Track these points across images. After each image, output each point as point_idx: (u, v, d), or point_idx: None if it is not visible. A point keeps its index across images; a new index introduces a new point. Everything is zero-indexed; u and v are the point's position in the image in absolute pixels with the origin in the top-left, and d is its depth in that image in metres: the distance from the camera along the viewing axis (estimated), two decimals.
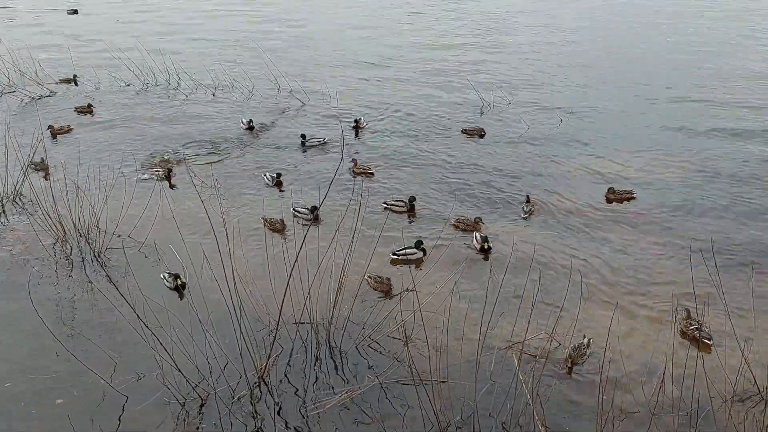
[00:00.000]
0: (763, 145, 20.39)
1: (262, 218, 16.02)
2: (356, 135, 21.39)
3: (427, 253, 14.39)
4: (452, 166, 19.51)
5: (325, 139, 21.35)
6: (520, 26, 39.92)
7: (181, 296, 13.03)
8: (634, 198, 16.96)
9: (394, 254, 14.36)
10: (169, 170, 18.88)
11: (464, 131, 21.89)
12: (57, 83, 29.29)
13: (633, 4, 46.32)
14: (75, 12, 48.64)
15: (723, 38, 35.49)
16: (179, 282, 13.17)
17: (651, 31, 37.68)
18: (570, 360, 10.95)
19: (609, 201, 16.91)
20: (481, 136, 21.54)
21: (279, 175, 18.60)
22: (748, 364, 10.10)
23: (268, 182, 18.47)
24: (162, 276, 13.49)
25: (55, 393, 10.73)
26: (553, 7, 46.05)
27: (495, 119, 23.45)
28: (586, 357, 11.04)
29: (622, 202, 16.84)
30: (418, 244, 14.32)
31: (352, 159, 19.52)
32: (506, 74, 29.48)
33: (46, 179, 17.86)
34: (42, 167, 19.16)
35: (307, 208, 16.22)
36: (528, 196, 16.81)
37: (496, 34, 37.66)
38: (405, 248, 14.41)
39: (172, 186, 18.56)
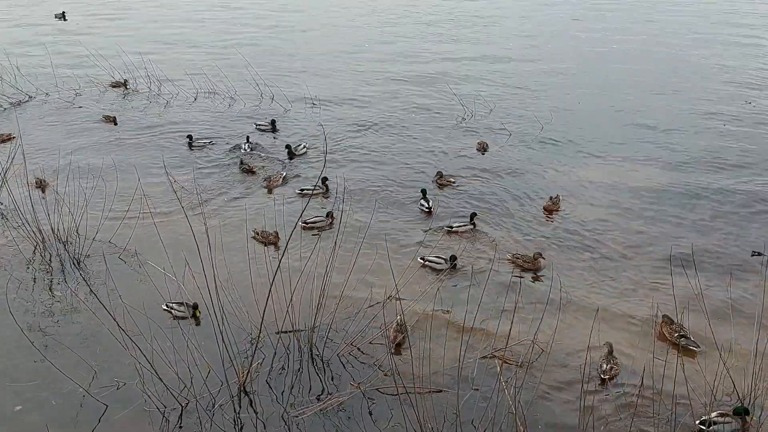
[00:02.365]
0: (744, 152, 20.65)
1: (253, 231, 15.67)
2: (290, 159, 20.59)
3: (457, 267, 14.17)
4: (432, 175, 19.47)
5: (212, 140, 22.00)
6: (502, 30, 40.16)
7: (198, 321, 12.57)
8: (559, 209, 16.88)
9: (423, 259, 14.30)
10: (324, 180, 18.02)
11: (478, 146, 21.44)
12: (109, 86, 29.06)
13: (617, 8, 46.90)
14: (63, 15, 48.25)
15: (711, 40, 36.06)
16: (198, 312, 12.62)
17: (636, 34, 38.08)
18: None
19: (549, 211, 16.88)
20: (484, 152, 21.10)
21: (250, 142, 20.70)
22: (727, 369, 10.21)
23: (245, 150, 20.48)
24: (169, 307, 12.78)
25: (34, 400, 10.59)
26: (532, 11, 46.42)
27: (477, 127, 23.52)
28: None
29: (556, 212, 16.81)
30: (453, 259, 14.15)
31: (268, 177, 18.80)
32: (488, 80, 29.60)
33: (43, 192, 17.32)
34: (41, 184, 18.35)
35: (320, 216, 16.15)
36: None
37: (478, 39, 37.84)
38: (435, 258, 14.28)
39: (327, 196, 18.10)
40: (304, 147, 21.19)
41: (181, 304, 12.67)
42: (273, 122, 23.69)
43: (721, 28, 39.22)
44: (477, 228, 15.92)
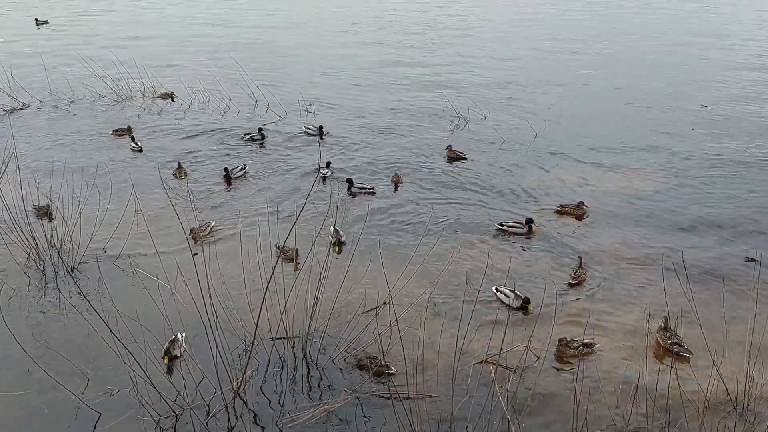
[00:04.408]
0: (736, 158, 20.77)
1: (276, 246, 14.75)
2: (228, 184, 19.53)
3: (529, 312, 12.93)
4: (425, 182, 19.54)
5: (139, 145, 22.56)
6: (495, 37, 40.35)
7: (171, 371, 11.53)
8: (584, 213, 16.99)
9: (497, 289, 13.36)
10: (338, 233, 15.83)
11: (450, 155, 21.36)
12: (158, 98, 28.60)
13: (610, 13, 47.31)
14: (45, 23, 48.15)
15: (705, 44, 36.44)
16: (175, 353, 11.60)
17: (629, 40, 38.38)
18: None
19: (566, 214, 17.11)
20: (452, 161, 21.11)
21: (225, 169, 19.92)
22: (720, 375, 10.24)
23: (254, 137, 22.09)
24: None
25: (27, 408, 10.54)
26: (527, 16, 46.67)
27: (471, 134, 23.61)
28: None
29: (573, 216, 16.97)
30: (527, 301, 12.90)
31: (193, 228, 16.14)
32: (482, 87, 29.74)
33: (50, 222, 16.65)
34: (45, 211, 17.22)
35: (337, 230, 15.74)
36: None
37: (471, 46, 38.01)
38: (507, 291, 13.18)
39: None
40: (242, 170, 20.08)
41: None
42: (320, 128, 23.66)
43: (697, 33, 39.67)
44: (534, 234, 15.98)
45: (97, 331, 11.22)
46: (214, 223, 16.53)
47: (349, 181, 18.92)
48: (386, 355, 11.27)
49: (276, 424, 10.26)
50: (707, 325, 11.69)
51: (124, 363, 10.49)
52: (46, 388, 10.74)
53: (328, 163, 20.44)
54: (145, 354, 10.78)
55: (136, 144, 22.56)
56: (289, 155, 21.87)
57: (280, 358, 11.65)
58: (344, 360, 11.60)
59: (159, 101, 28.38)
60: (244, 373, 10.80)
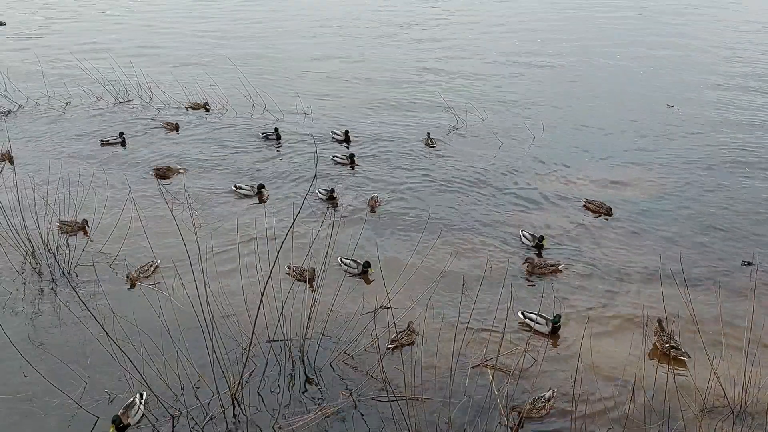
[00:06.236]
0: (735, 160, 20.81)
1: (288, 266, 14.23)
2: (261, 199, 18.70)
3: (558, 333, 12.37)
4: (424, 185, 19.57)
5: (117, 138, 23.15)
6: (493, 40, 40.39)
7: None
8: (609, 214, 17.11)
9: (522, 314, 12.80)
10: None
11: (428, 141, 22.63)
12: (188, 108, 27.64)
13: (609, 16, 47.44)
14: (3, 24, 47.78)
15: (703, 47, 36.60)
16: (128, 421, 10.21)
17: (626, 44, 38.47)
18: (522, 412, 10.16)
19: (589, 210, 17.36)
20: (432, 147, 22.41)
21: (261, 186, 18.96)
22: (717, 377, 10.25)
23: (248, 192, 18.78)
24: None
25: (24, 413, 10.51)
26: (527, 19, 46.73)
27: (470, 136, 23.62)
28: (544, 412, 10.28)
29: (599, 213, 17.12)
30: (557, 319, 12.33)
31: (137, 267, 14.68)
32: (481, 90, 29.76)
33: (86, 234, 16.35)
34: (81, 227, 16.52)
35: (355, 260, 14.66)
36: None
37: (470, 49, 38.04)
38: (537, 318, 12.56)
39: None
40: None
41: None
42: (346, 132, 23.57)
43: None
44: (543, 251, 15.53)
45: (94, 335, 11.20)
46: (159, 261, 14.67)
47: (332, 190, 18.36)
48: (383, 358, 11.27)
49: (273, 426, 10.24)
50: (705, 327, 11.71)
51: (121, 367, 10.47)
52: (43, 391, 10.70)
53: (352, 155, 21.05)
54: (142, 357, 10.75)
55: (104, 140, 23.16)
56: (289, 156, 21.86)
57: (277, 360, 11.64)
58: (343, 362, 11.59)
59: (157, 103, 28.29)
60: (242, 375, 10.77)
